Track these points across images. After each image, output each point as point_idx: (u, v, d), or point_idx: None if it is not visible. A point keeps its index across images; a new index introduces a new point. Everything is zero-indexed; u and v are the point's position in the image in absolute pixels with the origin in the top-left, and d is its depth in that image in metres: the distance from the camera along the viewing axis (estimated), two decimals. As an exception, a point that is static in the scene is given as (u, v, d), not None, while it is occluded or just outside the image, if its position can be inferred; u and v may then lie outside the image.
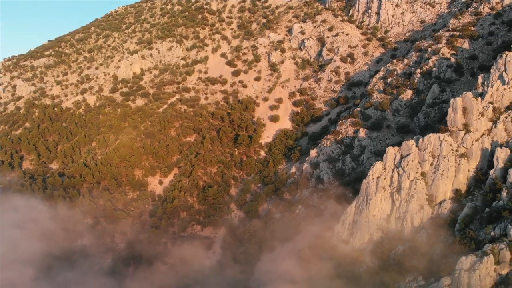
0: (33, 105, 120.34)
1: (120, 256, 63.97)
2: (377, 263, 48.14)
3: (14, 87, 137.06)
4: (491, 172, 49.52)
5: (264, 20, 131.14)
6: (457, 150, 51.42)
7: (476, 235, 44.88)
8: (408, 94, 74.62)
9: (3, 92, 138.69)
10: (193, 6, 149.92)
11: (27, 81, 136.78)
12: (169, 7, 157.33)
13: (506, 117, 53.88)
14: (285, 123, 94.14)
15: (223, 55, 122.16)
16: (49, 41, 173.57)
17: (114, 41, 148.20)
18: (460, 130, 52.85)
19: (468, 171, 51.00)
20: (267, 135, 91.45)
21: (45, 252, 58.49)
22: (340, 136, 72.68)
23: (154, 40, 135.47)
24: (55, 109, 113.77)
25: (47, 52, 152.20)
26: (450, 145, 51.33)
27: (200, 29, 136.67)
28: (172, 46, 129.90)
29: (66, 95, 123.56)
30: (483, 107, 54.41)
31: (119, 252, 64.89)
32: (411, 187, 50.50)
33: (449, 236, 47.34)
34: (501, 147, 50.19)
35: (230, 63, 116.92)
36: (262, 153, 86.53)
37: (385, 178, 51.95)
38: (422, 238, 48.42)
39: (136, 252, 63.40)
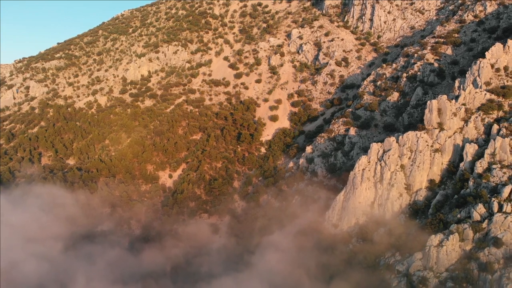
0: (47, 105, 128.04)
1: (137, 240, 72.30)
2: (362, 243, 55.92)
3: (27, 88, 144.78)
4: (461, 164, 57.22)
5: (264, 25, 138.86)
6: (432, 146, 59.15)
7: (445, 217, 52.66)
8: (395, 96, 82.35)
9: (17, 92, 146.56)
10: (196, 11, 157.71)
11: (39, 82, 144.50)
12: (173, 11, 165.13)
13: (476, 117, 61.59)
14: (284, 123, 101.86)
15: (226, 58, 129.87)
16: (58, 43, 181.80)
17: (122, 44, 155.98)
18: (435, 128, 60.57)
19: (442, 164, 58.71)
20: (267, 134, 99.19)
21: (70, 232, 66.99)
22: (333, 134, 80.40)
23: (160, 43, 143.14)
24: (69, 109, 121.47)
25: (58, 55, 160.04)
26: (426, 141, 59.07)
27: (203, 33, 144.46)
28: (178, 50, 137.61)
29: (78, 96, 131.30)
30: (456, 108, 62.10)
31: (136, 237, 73.13)
32: (392, 177, 58.26)
33: (423, 219, 55.13)
34: (470, 143, 57.92)
35: (232, 66, 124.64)
36: (263, 149, 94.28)
37: (369, 170, 59.69)
38: (400, 221, 56.21)
39: (151, 235, 71.66)
